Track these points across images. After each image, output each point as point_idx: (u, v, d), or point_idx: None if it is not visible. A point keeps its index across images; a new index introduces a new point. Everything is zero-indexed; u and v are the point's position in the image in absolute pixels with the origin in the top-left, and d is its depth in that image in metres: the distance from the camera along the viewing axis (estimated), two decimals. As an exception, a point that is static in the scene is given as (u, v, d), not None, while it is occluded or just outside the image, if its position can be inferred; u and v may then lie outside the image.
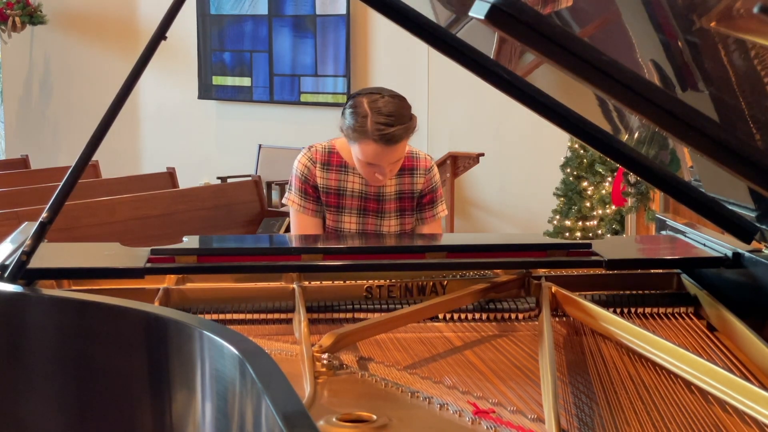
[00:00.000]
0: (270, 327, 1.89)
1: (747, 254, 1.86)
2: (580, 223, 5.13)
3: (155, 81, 7.70)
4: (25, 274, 1.79)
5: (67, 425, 1.67)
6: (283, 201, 2.81)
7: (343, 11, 6.94)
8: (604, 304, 1.88)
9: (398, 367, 1.66)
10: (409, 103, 2.63)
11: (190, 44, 7.63)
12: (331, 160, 2.73)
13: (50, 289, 1.84)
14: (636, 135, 1.82)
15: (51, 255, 1.99)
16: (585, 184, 5.13)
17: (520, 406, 1.48)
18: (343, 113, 2.63)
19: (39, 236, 1.77)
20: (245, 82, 7.53)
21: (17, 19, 8.20)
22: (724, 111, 1.40)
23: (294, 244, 2.47)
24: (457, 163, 6.06)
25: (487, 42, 1.65)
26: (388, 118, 2.52)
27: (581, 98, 1.71)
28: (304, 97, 7.19)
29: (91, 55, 8.41)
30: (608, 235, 4.94)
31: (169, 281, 2.02)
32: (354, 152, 2.63)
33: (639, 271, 2.04)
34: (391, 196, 2.74)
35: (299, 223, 2.76)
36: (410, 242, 2.50)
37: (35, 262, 1.80)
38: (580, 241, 2.21)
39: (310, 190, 2.72)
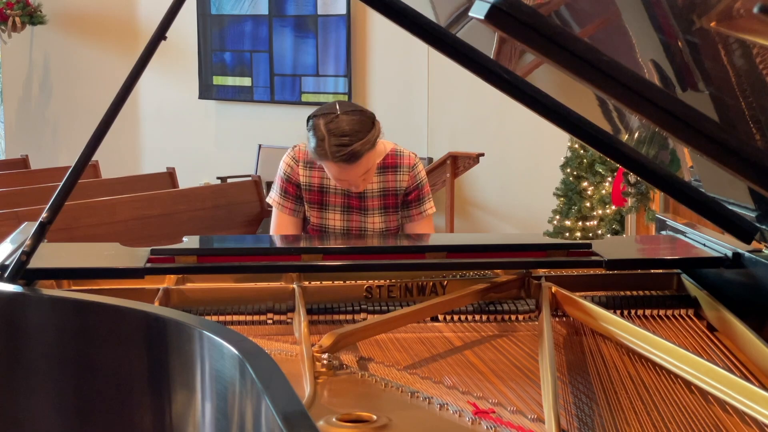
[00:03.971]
0: (270, 327, 1.89)
1: (747, 254, 1.86)
2: (580, 223, 5.13)
3: (155, 81, 7.70)
4: (25, 274, 1.78)
5: (67, 425, 1.66)
6: (267, 200, 2.84)
7: (344, 11, 6.94)
8: (604, 305, 1.88)
9: (398, 367, 1.66)
10: (370, 112, 2.60)
11: (190, 44, 7.62)
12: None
13: (50, 289, 1.84)
14: (636, 135, 1.82)
15: (51, 255, 1.99)
16: (585, 184, 5.12)
17: (520, 406, 1.48)
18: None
19: (39, 236, 1.77)
20: (246, 82, 7.53)
21: (17, 19, 8.20)
22: (724, 111, 1.40)
23: (293, 244, 2.47)
24: (457, 163, 6.05)
25: (487, 42, 1.64)
26: (343, 138, 2.51)
27: (581, 98, 1.71)
28: (305, 97, 7.19)
29: (91, 55, 8.41)
30: (608, 235, 4.93)
31: (169, 281, 2.03)
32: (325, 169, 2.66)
33: (639, 271, 2.04)
34: (375, 194, 2.76)
35: (277, 222, 2.81)
36: (410, 242, 2.50)
37: (35, 262, 1.80)
38: (580, 242, 2.21)
39: (290, 189, 2.76)
